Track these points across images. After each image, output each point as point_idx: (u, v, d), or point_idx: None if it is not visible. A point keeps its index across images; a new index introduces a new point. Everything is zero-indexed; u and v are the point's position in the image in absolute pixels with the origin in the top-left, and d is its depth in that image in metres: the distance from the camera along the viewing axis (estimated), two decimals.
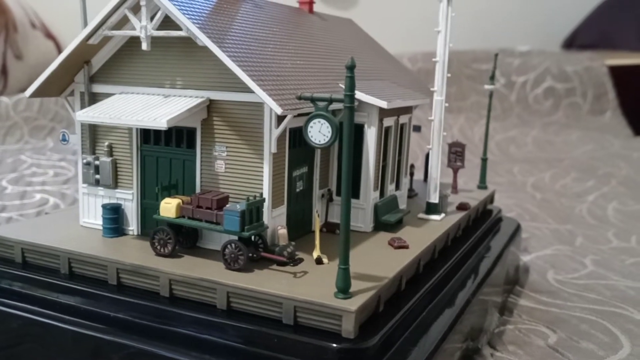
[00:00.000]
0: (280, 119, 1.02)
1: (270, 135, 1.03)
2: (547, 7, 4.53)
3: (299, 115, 1.04)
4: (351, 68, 0.84)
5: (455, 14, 1.30)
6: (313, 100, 0.89)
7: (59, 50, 3.79)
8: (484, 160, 1.72)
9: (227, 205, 1.01)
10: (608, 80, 3.95)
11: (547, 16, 4.56)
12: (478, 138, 3.35)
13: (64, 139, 1.20)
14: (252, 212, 1.00)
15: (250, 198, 1.01)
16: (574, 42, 4.60)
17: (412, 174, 1.59)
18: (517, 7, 4.48)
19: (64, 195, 2.15)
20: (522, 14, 4.49)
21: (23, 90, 3.40)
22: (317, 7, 1.55)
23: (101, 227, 1.16)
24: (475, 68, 3.90)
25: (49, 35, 3.82)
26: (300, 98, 0.90)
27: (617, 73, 3.95)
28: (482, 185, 1.69)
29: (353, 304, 0.87)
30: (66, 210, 1.38)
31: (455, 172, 1.62)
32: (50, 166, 2.54)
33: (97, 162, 1.17)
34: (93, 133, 1.18)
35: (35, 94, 1.15)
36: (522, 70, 3.96)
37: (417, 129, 1.58)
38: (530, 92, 3.92)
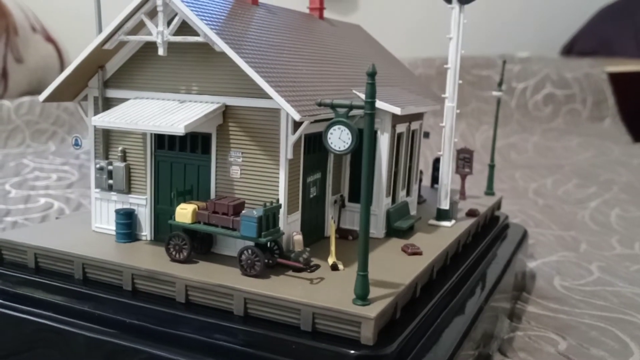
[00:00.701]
0: (296, 125, 1.02)
1: (287, 142, 1.03)
2: (546, 14, 4.55)
3: (315, 121, 1.04)
4: (372, 75, 0.84)
5: (467, 21, 1.30)
6: (333, 106, 0.89)
7: (59, 54, 3.78)
8: (492, 167, 1.72)
9: (244, 211, 1.01)
10: (607, 87, 3.96)
11: (547, 23, 4.58)
12: (479, 144, 3.36)
13: (76, 144, 1.20)
14: (269, 218, 1.00)
15: (267, 204, 1.01)
16: (573, 49, 4.62)
17: (420, 180, 1.59)
18: (517, 13, 4.49)
19: (68, 200, 2.14)
20: (521, 20, 4.51)
21: (23, 93, 3.41)
22: None
23: (114, 233, 1.15)
24: (475, 74, 3.91)
25: (49, 39, 3.82)
26: (320, 104, 0.90)
27: (617, 80, 3.96)
28: (490, 191, 1.70)
29: (372, 311, 0.87)
30: (77, 215, 1.37)
31: (463, 178, 1.62)
32: (53, 170, 2.53)
33: (110, 167, 1.17)
34: (106, 138, 1.18)
35: (49, 99, 1.14)
36: (521, 76, 3.97)
37: (427, 135, 1.58)
38: (530, 98, 3.93)
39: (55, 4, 3.83)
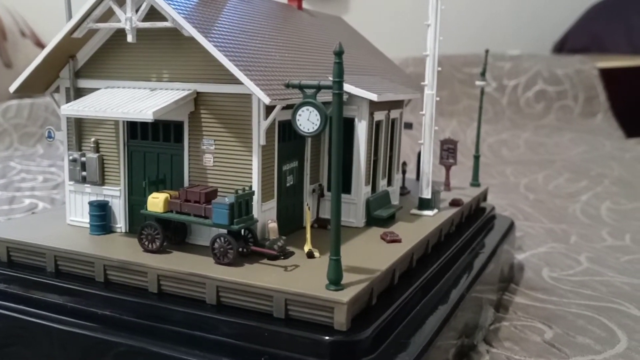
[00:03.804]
0: (268, 110, 1.01)
1: (259, 127, 1.02)
2: (537, 12, 4.54)
3: (288, 107, 1.02)
4: (339, 54, 0.83)
5: (445, 7, 1.29)
6: (301, 87, 0.88)
7: None
8: (477, 158, 1.71)
9: (216, 199, 0.99)
10: (599, 82, 3.95)
11: (538, 20, 4.58)
12: (470, 141, 3.34)
13: (49, 136, 1.18)
14: (242, 205, 0.98)
15: (239, 191, 0.99)
16: (564, 46, 4.61)
17: (404, 172, 1.58)
18: (508, 11, 4.49)
19: (53, 200, 2.12)
20: (512, 18, 4.50)
21: (12, 98, 3.39)
22: None
23: (88, 225, 1.13)
24: (466, 72, 3.90)
25: (39, 44, 3.80)
26: (288, 86, 0.88)
27: (608, 75, 3.95)
28: (475, 182, 1.68)
29: (345, 296, 0.85)
30: (53, 209, 1.36)
31: (448, 169, 1.60)
32: (40, 172, 2.51)
33: (83, 159, 1.15)
34: (79, 129, 1.16)
35: (19, 90, 1.13)
36: (513, 73, 3.96)
37: (409, 126, 1.57)
38: (522, 95, 3.92)
39: (46, 7, 3.82)
